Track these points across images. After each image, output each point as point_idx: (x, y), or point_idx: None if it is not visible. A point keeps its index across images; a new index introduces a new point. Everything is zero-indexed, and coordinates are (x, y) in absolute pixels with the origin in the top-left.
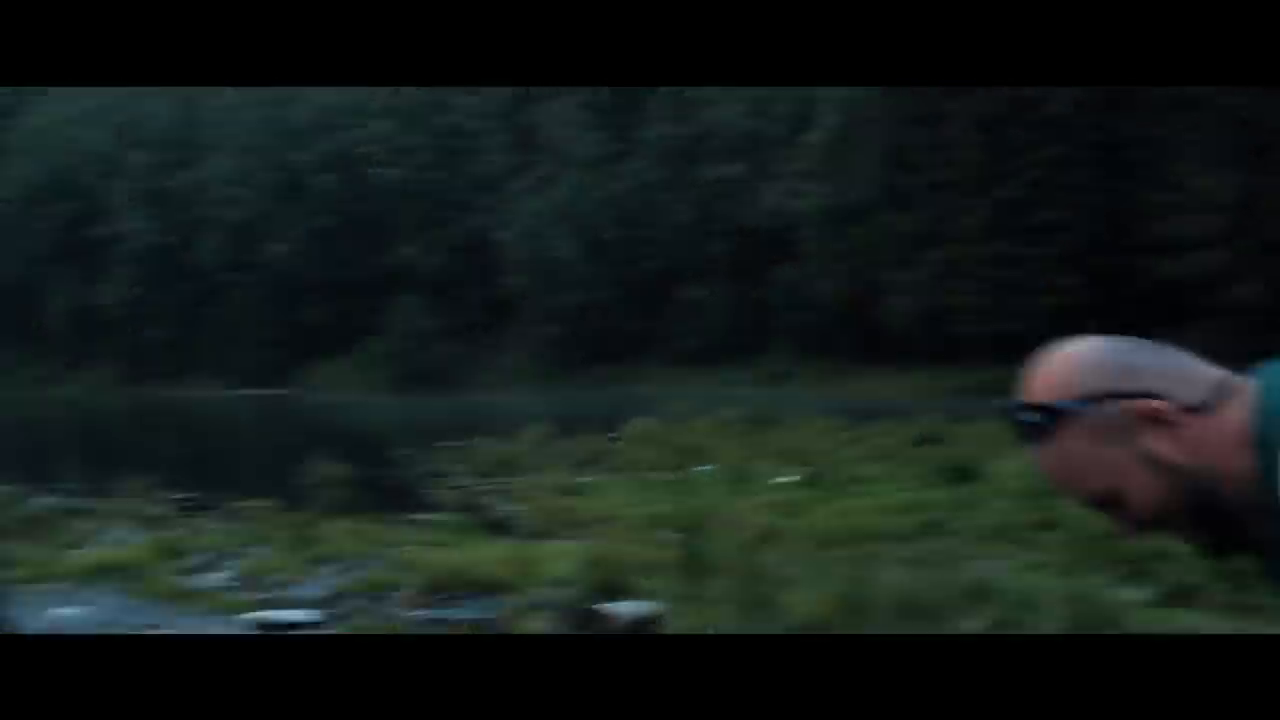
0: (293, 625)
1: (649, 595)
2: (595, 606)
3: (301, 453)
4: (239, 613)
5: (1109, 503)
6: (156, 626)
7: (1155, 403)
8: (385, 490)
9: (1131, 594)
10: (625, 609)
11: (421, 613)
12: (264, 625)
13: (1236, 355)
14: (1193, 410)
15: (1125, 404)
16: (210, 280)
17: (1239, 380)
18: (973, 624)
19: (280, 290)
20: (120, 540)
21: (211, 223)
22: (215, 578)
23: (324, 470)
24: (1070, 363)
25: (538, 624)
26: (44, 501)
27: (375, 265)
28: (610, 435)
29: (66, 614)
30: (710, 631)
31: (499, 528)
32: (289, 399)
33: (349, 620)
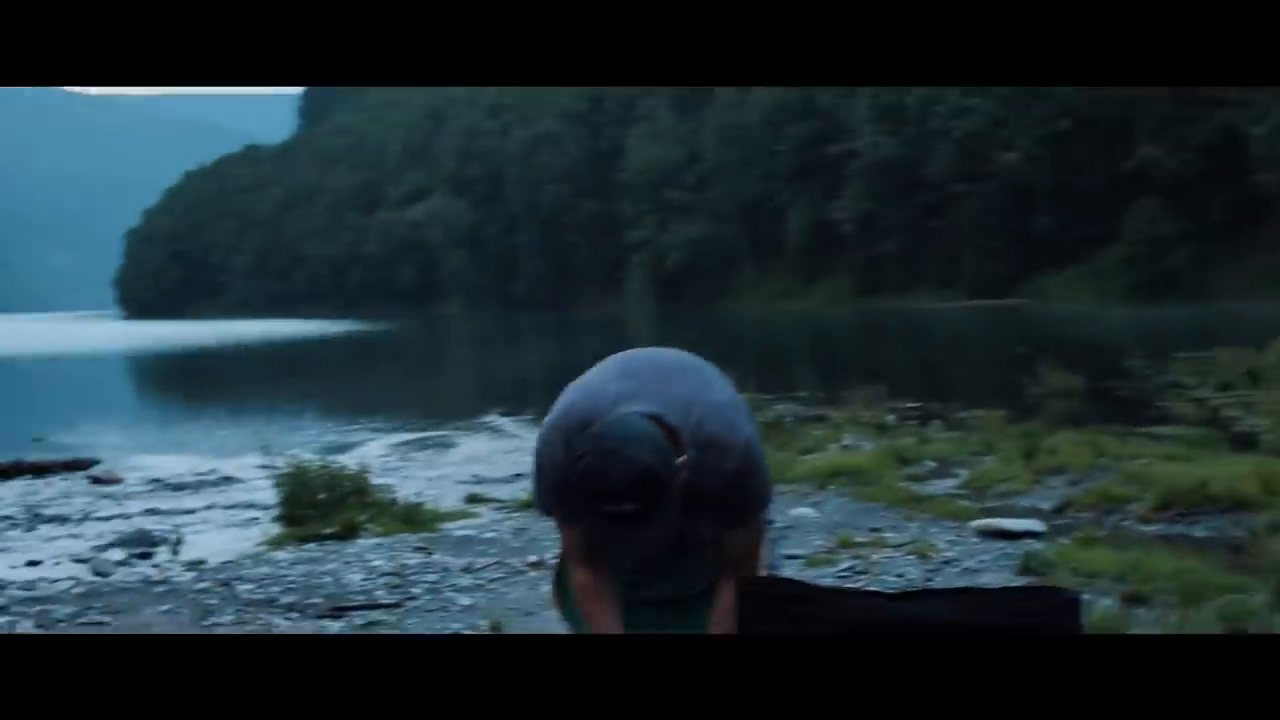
0: (1018, 534)
1: None
2: None
3: (1030, 363)
4: (966, 519)
5: None
6: (880, 529)
7: None
8: (1117, 402)
9: None
10: None
11: (1156, 528)
12: (990, 532)
13: None
14: None
15: None
16: (941, 192)
17: None
18: None
19: (1011, 199)
20: (852, 446)
21: (943, 134)
22: (943, 485)
23: (1053, 381)
24: None
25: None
26: (782, 409)
27: (1111, 169)
28: None
29: (802, 513)
30: None
31: (1243, 442)
32: (1018, 310)
33: (1074, 532)
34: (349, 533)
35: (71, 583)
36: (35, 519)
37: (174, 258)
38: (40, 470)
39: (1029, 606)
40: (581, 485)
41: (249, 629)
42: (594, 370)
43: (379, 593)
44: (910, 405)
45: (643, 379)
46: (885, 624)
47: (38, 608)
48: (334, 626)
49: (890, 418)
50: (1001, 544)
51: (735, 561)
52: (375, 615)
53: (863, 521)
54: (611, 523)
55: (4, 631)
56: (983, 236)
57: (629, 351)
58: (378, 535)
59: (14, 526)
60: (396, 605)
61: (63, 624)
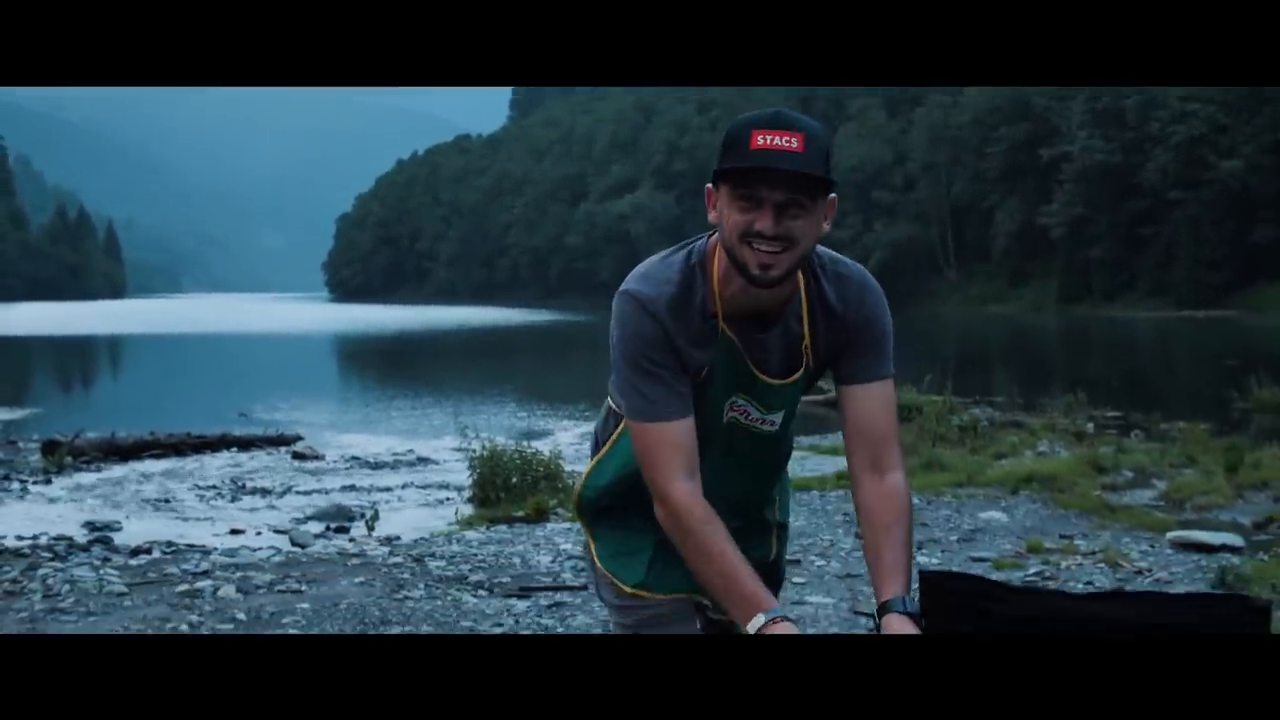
0: (1215, 548)
1: None
2: None
3: (1239, 376)
4: (1161, 531)
5: None
6: (1071, 536)
7: None
8: None
9: None
10: None
11: None
12: (1185, 544)
13: None
14: None
15: None
16: (1156, 198)
17: None
18: None
19: (1230, 207)
20: (1047, 453)
21: (1162, 139)
22: (1139, 495)
23: (1263, 395)
24: None
25: None
26: (978, 413)
27: None
28: None
29: (992, 516)
30: None
31: None
32: (1230, 321)
33: (1275, 548)
34: (539, 516)
35: (272, 551)
36: (239, 490)
37: (382, 243)
38: (245, 444)
39: (1217, 613)
40: (742, 124)
41: (438, 604)
42: None
43: (565, 575)
44: (1111, 414)
45: None
46: (1071, 622)
47: (239, 574)
48: (520, 606)
49: (1089, 426)
50: (1197, 556)
51: None
52: (561, 597)
53: (1053, 528)
54: (770, 162)
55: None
56: (1197, 245)
57: None
58: (567, 520)
59: (219, 496)
60: (582, 588)
61: (261, 590)
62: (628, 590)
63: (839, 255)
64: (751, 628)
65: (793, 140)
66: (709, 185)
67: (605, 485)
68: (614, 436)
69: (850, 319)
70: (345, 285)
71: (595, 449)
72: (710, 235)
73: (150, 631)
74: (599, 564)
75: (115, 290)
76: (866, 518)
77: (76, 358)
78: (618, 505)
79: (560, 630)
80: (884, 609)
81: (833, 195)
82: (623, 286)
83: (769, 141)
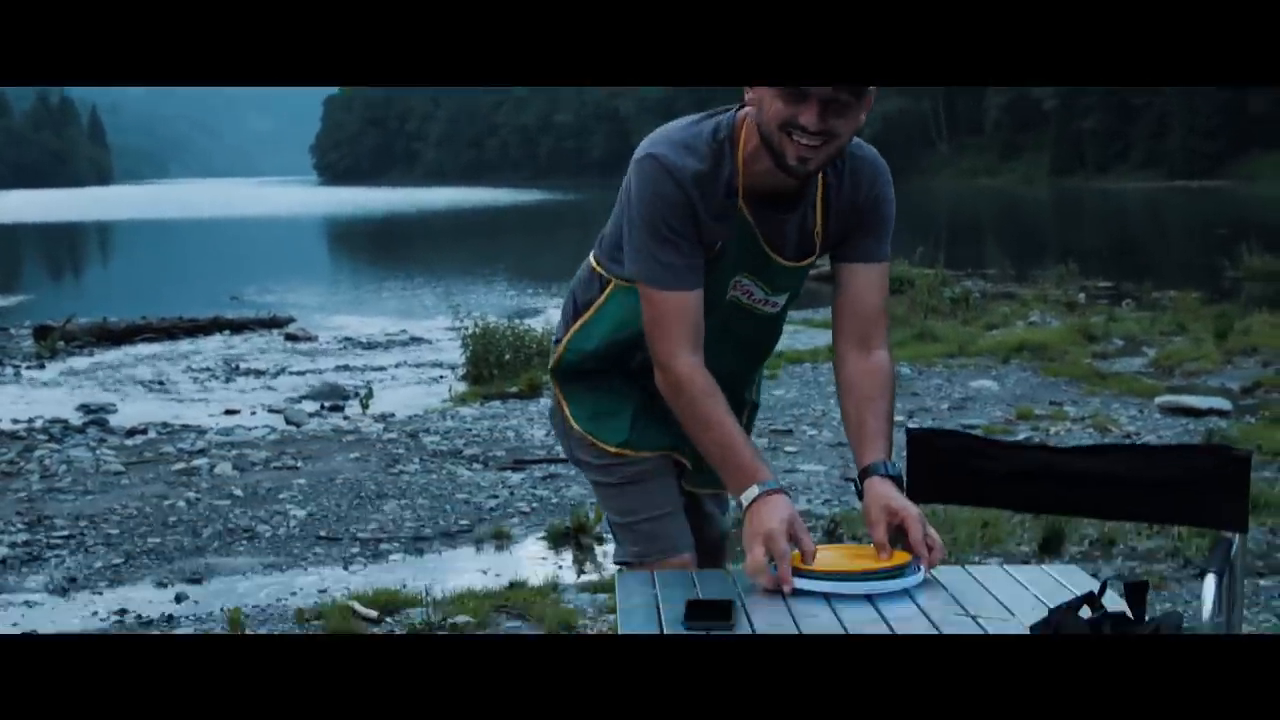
0: (1203, 412)
1: None
2: None
3: (1231, 245)
4: (1150, 396)
5: None
6: (1061, 403)
7: None
8: None
9: None
10: None
11: None
12: (1174, 409)
13: None
14: None
15: None
16: None
17: None
18: None
19: None
20: (1039, 323)
21: None
22: (1130, 363)
23: (1253, 262)
24: None
25: None
26: (970, 284)
27: None
28: None
29: (983, 385)
30: None
31: None
32: (1224, 190)
33: (1262, 412)
34: (531, 391)
35: (267, 430)
36: (233, 372)
37: (370, 124)
38: (238, 327)
39: (1200, 462)
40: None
41: (433, 477)
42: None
43: (558, 448)
44: (1102, 284)
45: None
46: (1057, 474)
47: (235, 452)
48: (515, 478)
49: (1081, 296)
50: (1185, 420)
51: None
52: (555, 469)
53: (1044, 395)
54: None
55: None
56: (1191, 115)
57: None
58: None
59: (213, 378)
60: None
61: (258, 467)
62: (611, 450)
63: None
64: (746, 498)
65: None
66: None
67: (592, 350)
68: (600, 301)
69: (862, 200)
70: (334, 168)
71: (576, 312)
72: (739, 109)
73: (149, 509)
74: (575, 425)
75: (102, 176)
76: (849, 390)
77: (65, 245)
78: (600, 369)
79: (554, 501)
80: (866, 473)
81: (873, 89)
82: (647, 149)
83: None
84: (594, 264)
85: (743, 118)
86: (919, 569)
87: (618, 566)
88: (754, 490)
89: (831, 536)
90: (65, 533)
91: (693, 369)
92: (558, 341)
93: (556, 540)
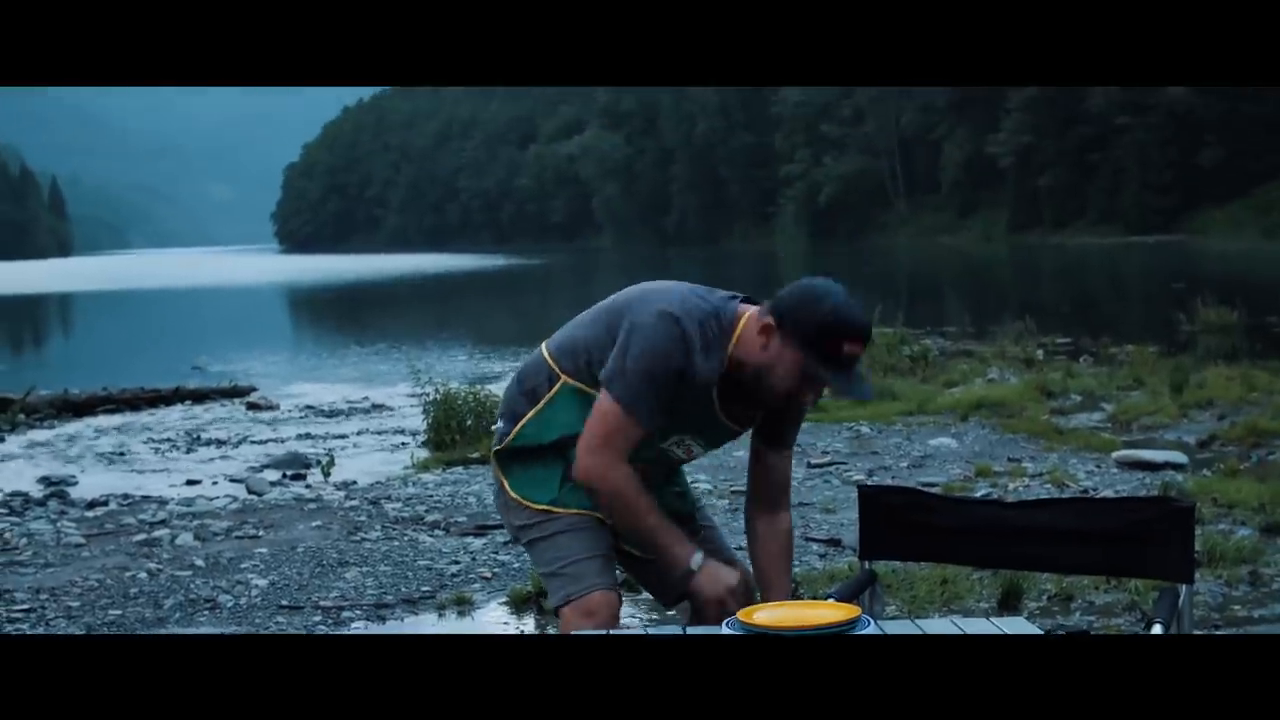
0: (1159, 465)
1: None
2: None
3: (1186, 299)
4: (1107, 451)
5: None
6: (1019, 460)
7: None
8: (1274, 339)
9: None
10: None
11: None
12: (1130, 463)
13: None
14: None
15: None
16: (1103, 124)
17: None
18: None
19: (1175, 131)
20: (997, 380)
21: None
22: (1087, 418)
23: (1208, 316)
24: None
25: None
26: (929, 343)
27: None
28: None
29: (942, 443)
30: None
31: None
32: (1178, 245)
33: (1218, 465)
34: None
35: (229, 500)
36: (195, 442)
37: (331, 191)
38: (200, 397)
39: (1143, 515)
40: (838, 326)
41: (395, 544)
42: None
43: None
44: (1060, 340)
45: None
46: (1006, 528)
47: (196, 522)
48: (476, 544)
49: (1039, 352)
50: (1142, 474)
51: None
52: None
53: (1002, 452)
54: (845, 368)
55: (33, 635)
56: (1144, 170)
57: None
58: None
59: (174, 448)
60: None
61: (219, 537)
62: (539, 508)
63: None
64: (694, 564)
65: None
66: (771, 319)
67: (547, 442)
68: (551, 394)
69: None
70: (295, 236)
71: (527, 400)
72: (739, 305)
73: (110, 581)
74: (513, 494)
75: (62, 248)
76: (758, 543)
77: (27, 317)
78: (538, 452)
79: (515, 565)
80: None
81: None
82: (668, 308)
83: (853, 350)
84: (547, 356)
85: (739, 315)
86: (869, 623)
87: (553, 612)
88: (698, 557)
89: (792, 595)
90: (25, 606)
91: (628, 475)
92: (509, 426)
93: (519, 605)
